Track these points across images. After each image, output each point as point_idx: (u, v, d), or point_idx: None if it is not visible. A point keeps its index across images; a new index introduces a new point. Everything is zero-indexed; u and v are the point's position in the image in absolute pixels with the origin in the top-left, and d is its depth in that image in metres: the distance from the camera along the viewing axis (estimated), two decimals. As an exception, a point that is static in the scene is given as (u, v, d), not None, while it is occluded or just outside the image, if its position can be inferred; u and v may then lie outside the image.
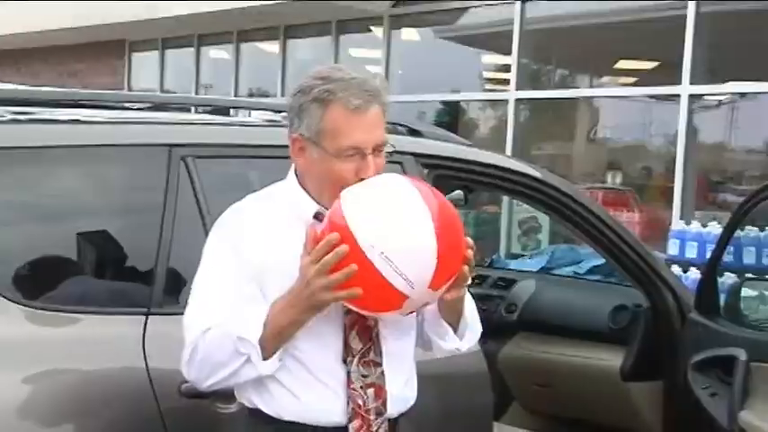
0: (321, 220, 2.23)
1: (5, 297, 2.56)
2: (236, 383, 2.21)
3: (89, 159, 2.86)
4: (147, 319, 2.69)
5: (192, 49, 14.29)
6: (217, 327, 2.16)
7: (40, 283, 2.71)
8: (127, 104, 3.45)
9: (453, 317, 2.32)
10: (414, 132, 3.66)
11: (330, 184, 2.21)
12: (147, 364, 2.62)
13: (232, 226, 2.26)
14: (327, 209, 2.21)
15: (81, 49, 15.64)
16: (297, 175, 2.30)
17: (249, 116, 3.65)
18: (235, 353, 2.13)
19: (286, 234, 2.23)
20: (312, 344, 2.20)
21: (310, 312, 2.13)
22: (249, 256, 2.20)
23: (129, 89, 14.91)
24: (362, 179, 2.18)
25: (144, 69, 15.33)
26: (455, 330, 2.34)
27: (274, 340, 2.14)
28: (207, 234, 2.35)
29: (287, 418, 2.23)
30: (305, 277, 2.08)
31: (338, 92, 2.16)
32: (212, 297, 2.21)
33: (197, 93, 13.93)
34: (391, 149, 2.29)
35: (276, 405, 2.23)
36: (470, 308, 2.38)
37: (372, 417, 2.24)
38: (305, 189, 2.28)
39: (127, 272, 2.90)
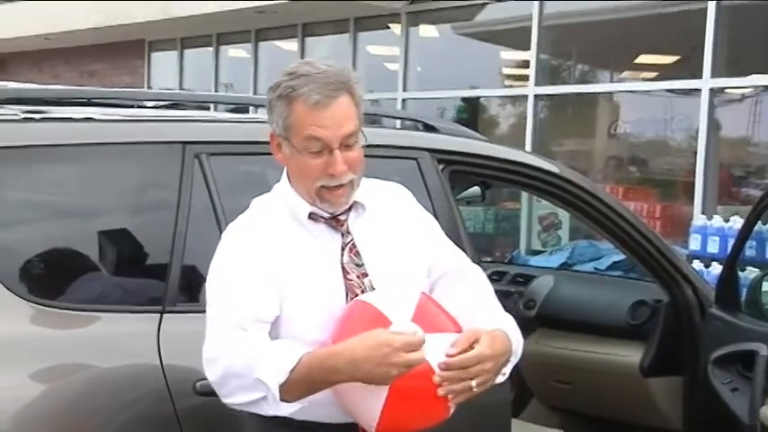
0: (316, 221, 2.25)
1: (21, 296, 2.56)
2: (258, 412, 2.14)
3: (102, 157, 2.86)
4: (161, 317, 2.69)
5: (210, 49, 14.30)
6: (239, 330, 2.13)
7: (54, 281, 2.71)
8: (140, 102, 3.45)
9: None
10: (429, 128, 3.65)
11: (303, 180, 2.22)
12: (161, 362, 2.62)
13: (245, 237, 2.25)
14: (316, 205, 2.23)
15: (101, 49, 15.71)
16: (288, 176, 2.31)
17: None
18: (253, 386, 2.07)
19: (288, 241, 2.24)
20: (318, 343, 2.17)
21: (360, 382, 2.07)
22: (268, 264, 2.19)
23: (149, 89, 14.94)
24: (332, 175, 2.17)
25: (163, 69, 15.35)
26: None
27: (300, 391, 2.08)
28: (221, 231, 2.34)
29: (297, 417, 2.21)
30: (389, 356, 2.01)
31: (300, 88, 2.15)
32: (236, 295, 2.18)
33: (216, 91, 13.93)
34: (365, 142, 2.25)
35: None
36: (516, 338, 2.31)
37: None
38: (296, 189, 2.27)
39: (141, 270, 2.90)
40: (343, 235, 2.28)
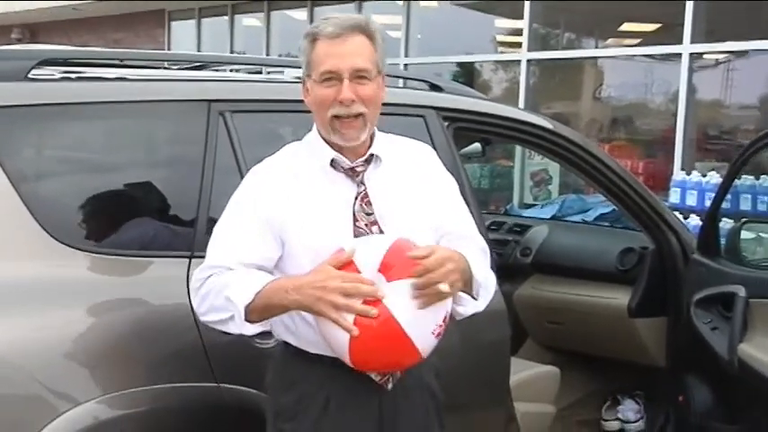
0: (336, 169, 2.25)
1: (64, 243, 2.54)
2: (226, 330, 2.19)
3: (134, 114, 2.83)
4: (190, 261, 2.67)
5: (226, 18, 14.22)
6: (226, 269, 2.18)
7: (93, 229, 2.69)
8: (166, 63, 3.41)
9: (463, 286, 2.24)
10: (435, 87, 3.61)
11: (319, 110, 2.24)
12: (191, 302, 2.61)
13: (255, 182, 2.27)
14: (337, 151, 2.24)
15: (125, 19, 15.61)
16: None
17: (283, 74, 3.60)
18: (224, 306, 2.14)
19: (306, 185, 2.24)
20: None
21: (303, 309, 2.11)
22: (268, 210, 2.21)
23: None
24: (340, 102, 2.19)
25: (182, 37, 15.26)
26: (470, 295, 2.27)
27: (261, 312, 2.13)
28: (244, 184, 2.32)
29: (312, 351, 2.24)
30: (326, 281, 2.04)
31: (321, 26, 2.22)
32: (230, 240, 2.23)
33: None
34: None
35: (303, 341, 2.25)
36: (479, 268, 2.27)
37: None
38: (320, 133, 2.29)
39: (171, 219, 2.88)
40: (358, 184, 2.27)
